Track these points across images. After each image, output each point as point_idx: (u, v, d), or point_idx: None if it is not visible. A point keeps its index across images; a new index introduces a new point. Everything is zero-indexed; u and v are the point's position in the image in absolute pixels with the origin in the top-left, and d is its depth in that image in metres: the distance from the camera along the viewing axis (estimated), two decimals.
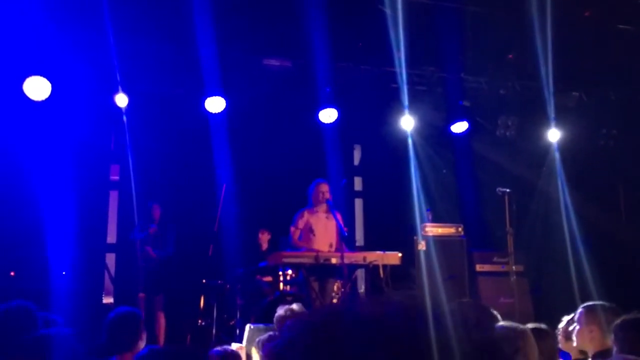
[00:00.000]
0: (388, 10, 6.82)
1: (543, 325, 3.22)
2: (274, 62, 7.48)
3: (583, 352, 3.40)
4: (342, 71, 7.56)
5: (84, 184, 7.09)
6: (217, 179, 7.21)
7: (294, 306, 4.17)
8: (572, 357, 3.46)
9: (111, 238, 8.08)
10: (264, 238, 7.76)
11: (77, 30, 6.40)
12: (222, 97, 7.02)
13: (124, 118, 6.87)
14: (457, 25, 7.47)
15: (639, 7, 7.46)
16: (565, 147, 8.15)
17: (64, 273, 6.43)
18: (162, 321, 7.05)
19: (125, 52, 6.46)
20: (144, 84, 6.96)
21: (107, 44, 6.21)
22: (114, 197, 8.16)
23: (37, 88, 6.30)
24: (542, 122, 8.18)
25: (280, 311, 4.11)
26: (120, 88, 6.62)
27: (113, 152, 8.04)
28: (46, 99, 6.37)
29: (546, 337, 3.32)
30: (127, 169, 7.21)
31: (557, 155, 8.01)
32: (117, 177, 8.12)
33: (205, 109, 7.05)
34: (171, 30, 6.59)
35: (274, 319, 4.16)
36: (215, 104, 7.05)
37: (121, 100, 6.70)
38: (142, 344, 3.47)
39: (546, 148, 8.19)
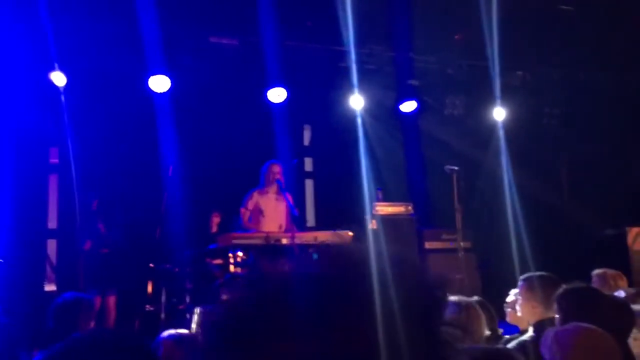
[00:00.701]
0: None
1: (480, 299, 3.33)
2: (221, 40, 7.29)
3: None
4: (291, 50, 7.45)
5: (21, 167, 6.77)
6: (163, 160, 7.00)
7: None
8: (520, 328, 3.53)
9: (52, 223, 7.76)
10: (215, 220, 7.63)
11: (10, 4, 6.04)
12: (166, 75, 6.81)
13: (62, 98, 6.56)
14: (406, 4, 7.48)
15: None
16: (510, 125, 8.33)
17: (1, 261, 6.13)
18: (112, 306, 6.83)
19: (62, 28, 6.14)
20: (83, 62, 6.65)
21: (42, 19, 5.89)
22: (53, 181, 7.82)
23: None
24: (489, 101, 8.33)
25: (226, 296, 4.02)
26: (56, 65, 6.31)
27: (52, 134, 7.68)
28: None
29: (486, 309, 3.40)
30: (67, 152, 6.90)
31: (502, 133, 8.18)
32: (56, 160, 7.77)
33: (149, 88, 6.82)
34: (112, 4, 6.31)
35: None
36: (159, 83, 6.83)
37: (59, 78, 6.39)
38: None
39: (492, 126, 8.35)
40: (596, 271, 4.42)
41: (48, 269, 7.55)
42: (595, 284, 4.14)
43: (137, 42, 6.47)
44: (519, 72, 8.52)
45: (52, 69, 6.32)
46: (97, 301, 6.59)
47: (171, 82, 6.84)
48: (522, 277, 3.60)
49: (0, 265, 6.22)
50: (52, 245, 7.71)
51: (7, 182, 6.38)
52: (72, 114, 6.74)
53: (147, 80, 6.78)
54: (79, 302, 3.53)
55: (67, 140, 6.75)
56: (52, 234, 7.72)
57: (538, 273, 3.64)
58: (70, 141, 6.73)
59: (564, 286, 3.05)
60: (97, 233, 6.78)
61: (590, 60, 8.25)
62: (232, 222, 7.22)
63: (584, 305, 2.79)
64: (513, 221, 7.23)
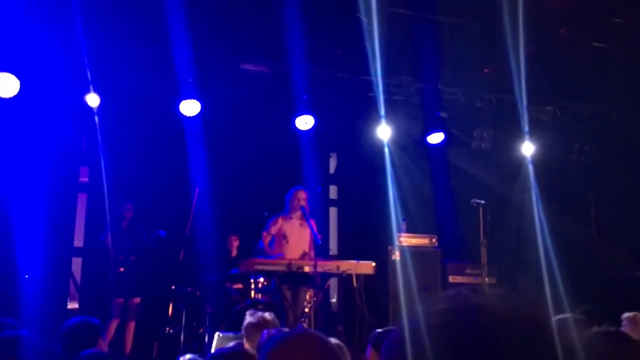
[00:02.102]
0: (365, 19, 6.81)
1: None
2: (251, 67, 7.40)
3: None
4: (320, 78, 7.51)
5: (51, 185, 6.88)
6: (190, 183, 7.07)
7: (266, 315, 4.04)
8: None
9: (78, 242, 7.86)
10: (234, 244, 7.64)
11: (48, 27, 6.23)
12: (197, 100, 6.91)
13: (96, 118, 6.70)
14: (435, 36, 7.51)
15: (613, 26, 7.61)
16: (538, 160, 8.23)
17: (26, 277, 6.21)
18: (131, 328, 6.84)
19: (97, 51, 6.31)
20: (117, 84, 6.80)
21: (78, 42, 6.05)
22: (82, 200, 7.95)
23: (5, 85, 6.11)
24: (517, 135, 8.25)
25: (251, 319, 3.99)
26: (91, 87, 6.46)
27: (83, 153, 7.83)
28: (14, 96, 6.18)
29: None
30: (97, 171, 7.02)
31: (530, 168, 8.07)
32: (86, 179, 7.91)
33: (180, 111, 6.93)
34: (146, 30, 6.47)
35: (243, 327, 4.03)
36: (190, 107, 6.93)
37: (93, 100, 6.54)
38: None
39: (520, 161, 8.26)
40: (626, 314, 4.27)
41: (72, 286, 7.62)
42: (625, 328, 4.00)
43: (169, 67, 6.61)
44: (549, 108, 8.45)
45: (88, 91, 6.47)
46: (114, 323, 6.63)
47: (201, 107, 6.94)
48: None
49: (25, 281, 6.30)
50: (77, 263, 7.80)
51: (37, 199, 6.48)
52: (105, 135, 6.87)
53: (178, 104, 6.89)
54: (88, 327, 3.44)
55: (98, 160, 6.86)
56: (78, 252, 7.82)
57: (568, 315, 3.53)
58: (102, 161, 6.84)
59: (594, 329, 2.94)
60: (129, 239, 6.86)
61: (622, 98, 8.15)
62: (252, 246, 7.22)
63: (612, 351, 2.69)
64: (543, 258, 7.07)
